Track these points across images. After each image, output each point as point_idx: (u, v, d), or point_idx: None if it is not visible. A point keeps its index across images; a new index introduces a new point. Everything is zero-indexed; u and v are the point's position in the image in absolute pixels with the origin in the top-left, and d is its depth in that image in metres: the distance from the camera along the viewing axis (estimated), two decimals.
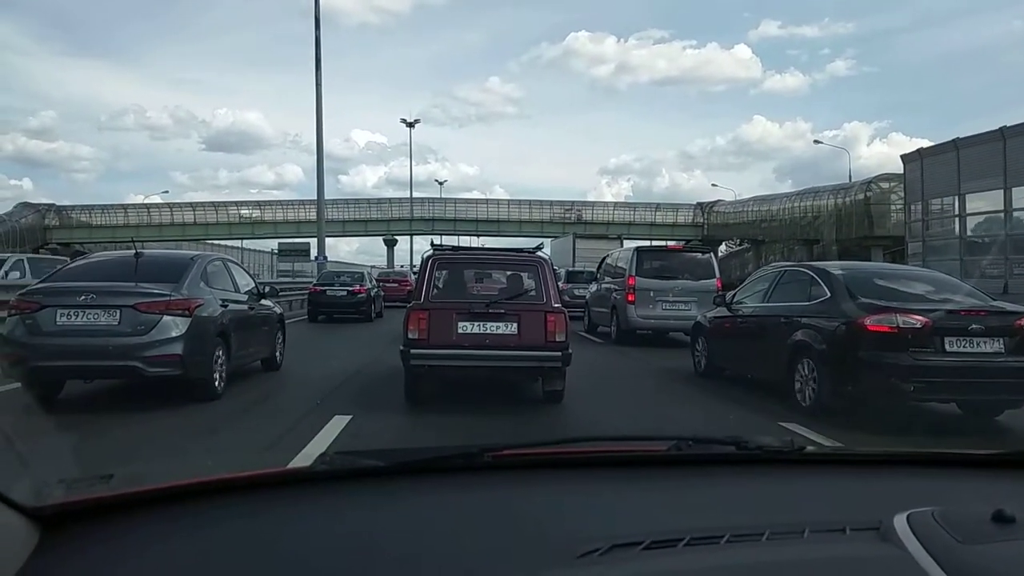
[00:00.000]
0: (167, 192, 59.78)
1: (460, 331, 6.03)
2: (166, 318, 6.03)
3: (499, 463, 1.14)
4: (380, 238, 51.39)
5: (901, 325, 5.77)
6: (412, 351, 6.01)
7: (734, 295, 8.52)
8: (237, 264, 8.52)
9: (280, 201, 50.16)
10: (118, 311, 5.93)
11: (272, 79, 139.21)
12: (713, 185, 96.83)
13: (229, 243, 54.89)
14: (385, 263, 50.88)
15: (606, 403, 7.10)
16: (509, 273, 6.94)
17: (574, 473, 1.17)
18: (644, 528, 0.91)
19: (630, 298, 12.39)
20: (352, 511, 1.01)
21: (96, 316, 5.91)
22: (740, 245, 48.38)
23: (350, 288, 17.84)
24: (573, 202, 50.30)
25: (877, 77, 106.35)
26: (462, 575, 0.83)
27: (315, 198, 44.36)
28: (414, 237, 52.90)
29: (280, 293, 12.26)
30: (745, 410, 6.81)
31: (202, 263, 7.01)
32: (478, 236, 51.11)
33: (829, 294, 6.53)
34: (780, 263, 11.88)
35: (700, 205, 48.78)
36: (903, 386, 5.65)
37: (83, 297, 5.94)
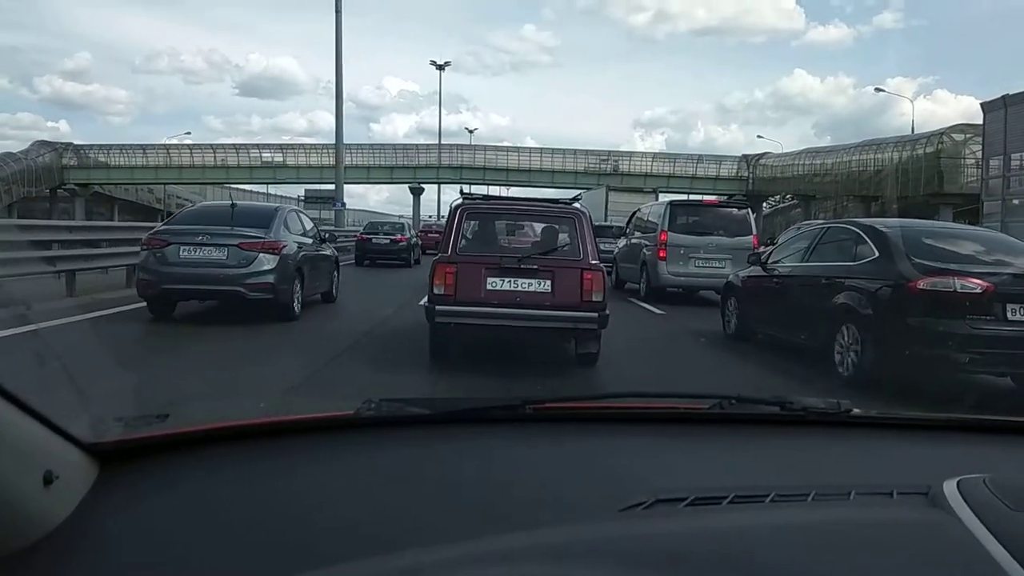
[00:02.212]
0: (189, 134, 60.27)
1: (489, 287, 5.80)
2: (261, 255, 7.99)
3: (541, 415, 1.17)
4: (407, 186, 51.05)
5: (958, 289, 5.41)
6: (437, 308, 5.78)
7: (770, 253, 8.21)
8: (305, 214, 10.68)
9: (303, 145, 50.06)
10: (226, 249, 7.92)
11: (306, 24, 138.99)
12: (758, 137, 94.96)
13: (253, 188, 55.37)
14: (411, 213, 50.86)
15: (632, 362, 6.97)
16: (543, 226, 6.64)
17: (615, 428, 1.20)
18: (687, 485, 0.93)
19: (661, 254, 12.18)
20: (396, 457, 1.04)
21: (210, 252, 7.93)
22: (788, 201, 47.11)
23: (392, 237, 21.07)
24: (609, 152, 49.24)
25: (925, 30, 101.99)
26: (504, 524, 0.84)
27: (344, 143, 44.90)
28: (442, 186, 52.67)
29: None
30: (778, 376, 6.55)
31: (283, 212, 9.24)
32: (508, 186, 50.63)
33: (877, 253, 6.14)
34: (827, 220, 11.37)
35: (745, 157, 47.40)
36: (957, 357, 5.31)
37: (200, 237, 7.96)
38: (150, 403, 4.14)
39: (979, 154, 29.50)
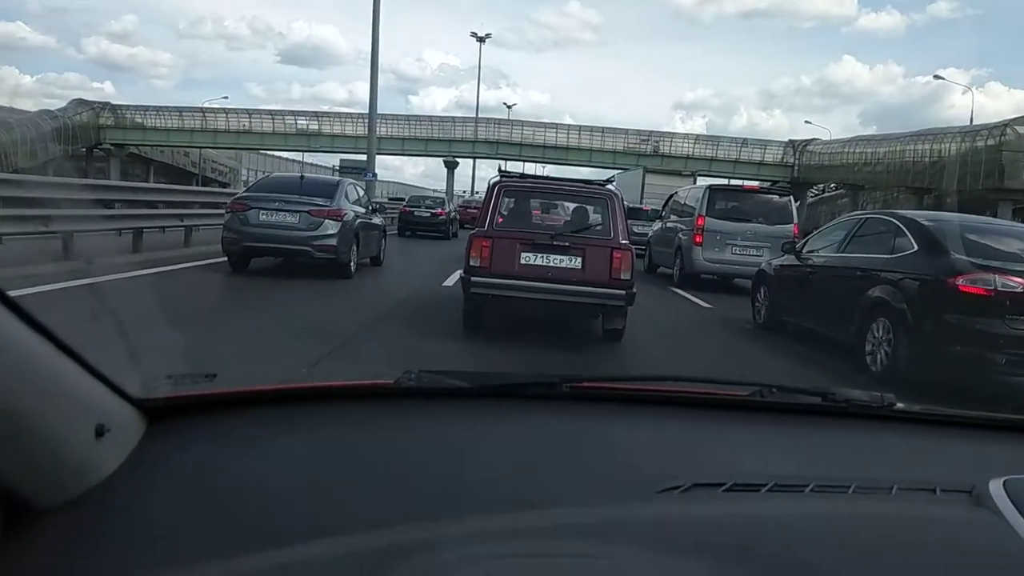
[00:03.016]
0: (227, 98, 61.05)
1: (523, 262, 6.14)
2: (327, 221, 9.50)
3: (577, 394, 1.18)
4: (441, 159, 51.11)
5: (999, 288, 5.34)
6: (473, 279, 6.16)
7: (805, 242, 8.13)
8: (360, 186, 12.16)
9: (338, 113, 50.73)
10: (298, 214, 9.42)
11: None
12: (806, 122, 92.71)
13: (290, 155, 55.92)
14: (444, 187, 50.97)
15: (661, 346, 7.11)
16: (576, 206, 7.07)
17: (652, 410, 1.20)
18: (726, 470, 0.93)
19: (697, 239, 12.11)
20: (434, 427, 1.07)
21: (284, 216, 9.43)
22: (835, 190, 46.20)
23: (433, 211, 23.30)
24: (651, 132, 48.64)
25: (981, 20, 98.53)
26: (540, 499, 0.85)
27: (380, 114, 44.90)
28: (477, 161, 52.63)
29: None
30: (807, 368, 6.53)
31: (344, 184, 10.87)
32: (544, 163, 50.46)
33: (916, 247, 6.07)
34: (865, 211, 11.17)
35: (792, 143, 46.53)
36: (993, 357, 5.25)
37: (276, 203, 9.48)
38: (206, 357, 4.62)
39: None
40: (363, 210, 10.97)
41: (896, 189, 37.56)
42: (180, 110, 50.02)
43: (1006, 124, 32.02)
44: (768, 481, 0.91)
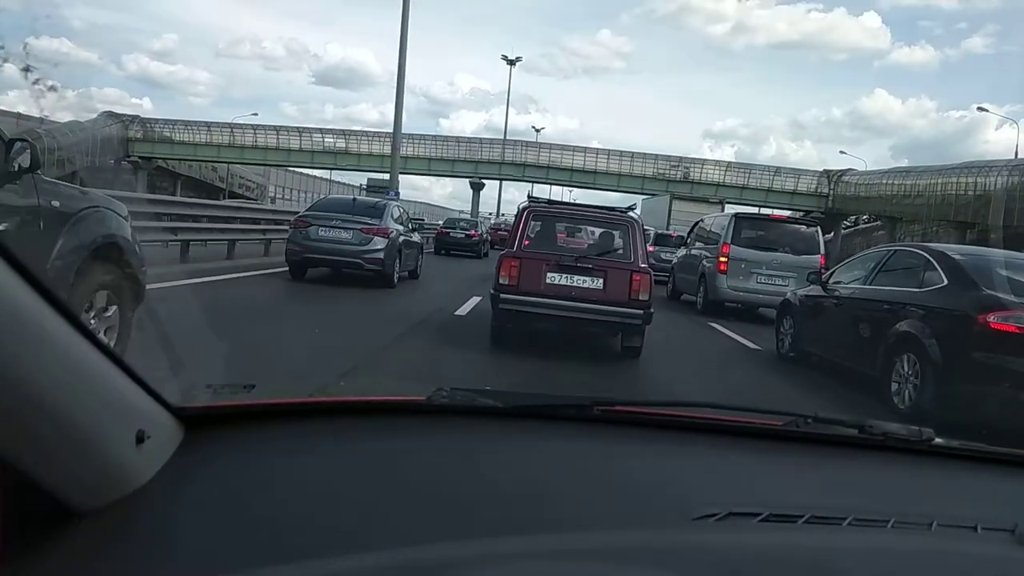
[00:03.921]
0: (256, 115, 62.28)
1: (548, 281, 6.64)
2: (376, 237, 11.10)
3: (608, 417, 1.19)
4: (467, 181, 51.45)
5: None
6: (501, 295, 6.69)
7: (831, 273, 8.02)
8: (402, 207, 13.86)
9: (365, 132, 50.75)
10: (351, 231, 11.03)
11: (384, 17, 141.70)
12: (841, 152, 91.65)
13: (317, 172, 56.67)
14: (469, 209, 51.22)
15: (682, 372, 7.28)
16: (600, 230, 7.71)
17: (686, 436, 1.20)
18: (761, 500, 0.93)
19: (722, 267, 12.07)
20: (465, 446, 1.09)
21: (339, 233, 11.02)
22: (870, 222, 45.68)
23: (467, 232, 25.80)
24: (680, 158, 48.60)
25: (1017, 57, 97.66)
26: (573, 522, 0.86)
27: (407, 133, 45.42)
28: (504, 183, 52.92)
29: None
30: (830, 403, 6.39)
31: (391, 206, 12.51)
32: (571, 187, 50.61)
33: (946, 282, 5.96)
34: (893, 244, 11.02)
35: (827, 173, 46.20)
36: None
37: (334, 222, 11.12)
38: (256, 359, 4.82)
39: None
40: (405, 228, 12.50)
41: (937, 223, 36.91)
42: (208, 125, 51.00)
43: None
44: (805, 512, 0.90)
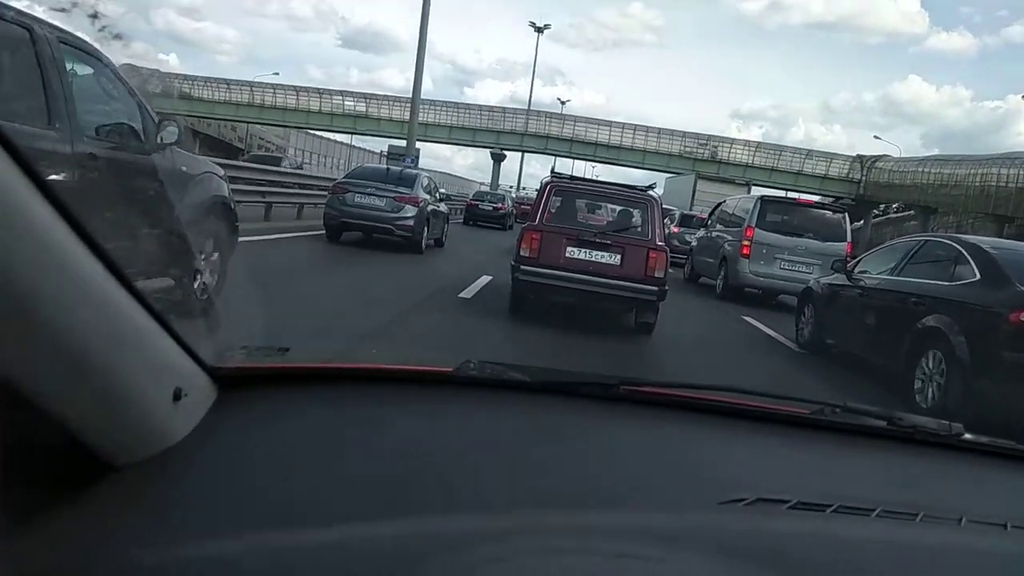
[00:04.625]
0: (277, 74, 62.18)
1: (567, 255, 6.89)
2: (407, 205, 12.09)
3: (635, 397, 1.20)
4: (488, 151, 51.10)
5: None
6: (521, 267, 6.95)
7: (857, 262, 7.80)
8: (432, 179, 14.63)
9: (387, 96, 50.46)
10: (385, 199, 12.02)
11: None
12: (875, 137, 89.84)
13: (337, 137, 56.47)
14: (489, 180, 50.96)
15: (698, 357, 7.24)
16: (620, 208, 7.95)
17: (712, 420, 1.21)
18: (789, 488, 0.93)
19: (744, 251, 11.84)
20: (492, 419, 1.11)
21: (374, 200, 12.00)
22: (901, 211, 44.85)
23: (495, 205, 27.62)
24: (709, 136, 47.88)
25: None
26: (598, 500, 0.87)
27: (428, 100, 44.96)
28: (525, 156, 52.57)
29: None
30: (849, 399, 6.19)
31: (421, 176, 13.67)
32: (595, 162, 50.18)
33: (979, 276, 5.73)
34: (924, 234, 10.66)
35: (860, 158, 45.38)
36: None
37: (369, 189, 12.06)
38: (297, 317, 5.33)
39: None
40: (433, 199, 13.55)
41: (973, 215, 36.08)
42: (228, 83, 50.98)
43: None
44: (833, 502, 0.91)
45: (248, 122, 52.13)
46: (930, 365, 5.73)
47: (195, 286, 4.95)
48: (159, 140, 4.66)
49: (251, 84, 50.95)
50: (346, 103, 50.48)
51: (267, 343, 1.29)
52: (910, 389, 5.85)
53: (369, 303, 7.16)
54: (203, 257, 5.17)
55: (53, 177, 3.70)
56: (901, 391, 5.93)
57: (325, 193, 14.91)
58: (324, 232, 12.26)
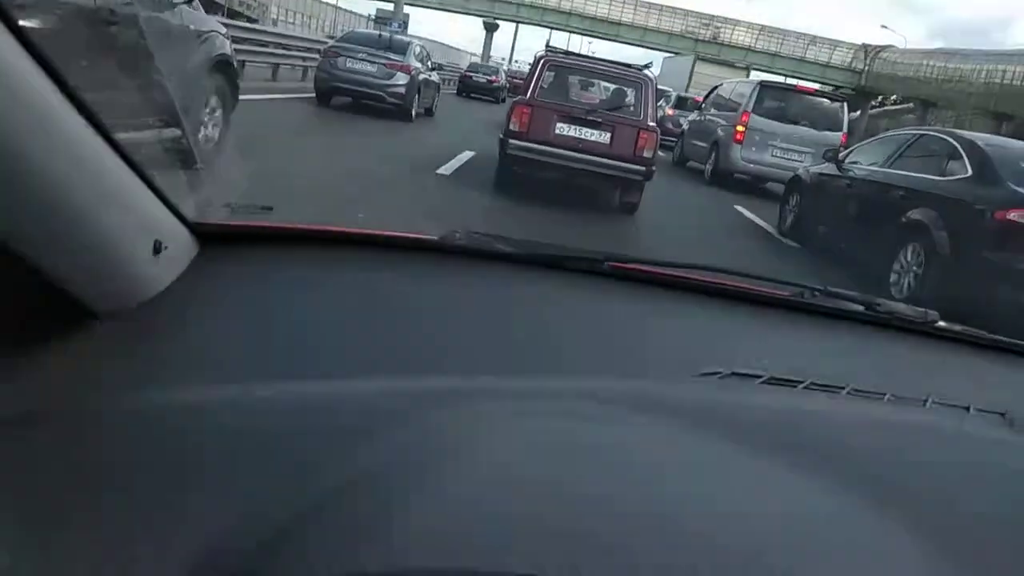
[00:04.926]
0: None
1: (557, 131, 6.91)
2: (399, 73, 12.20)
3: (619, 273, 1.21)
4: (481, 20, 49.14)
5: None
6: (510, 141, 6.94)
7: (849, 152, 7.71)
8: (424, 48, 14.57)
9: None
10: (376, 65, 12.08)
11: None
12: (882, 27, 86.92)
13: None
14: (480, 51, 49.29)
15: (681, 239, 7.33)
16: (614, 86, 7.92)
17: (693, 298, 1.23)
18: (764, 365, 0.96)
19: (738, 136, 11.65)
20: (478, 288, 1.12)
21: (366, 65, 12.03)
22: (900, 104, 44.10)
23: (489, 77, 28.08)
24: (712, 16, 46.18)
25: None
26: (579, 367, 0.90)
27: None
28: (520, 27, 50.61)
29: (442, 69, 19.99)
30: (824, 283, 6.31)
31: (414, 44, 13.72)
32: (592, 37, 48.48)
33: (970, 172, 5.68)
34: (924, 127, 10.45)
35: (865, 47, 44.14)
36: None
37: (360, 54, 12.08)
38: (277, 180, 4.63)
39: None
40: (425, 67, 13.58)
41: (973, 112, 35.51)
42: None
43: None
44: (805, 379, 0.93)
45: None
46: (908, 258, 5.77)
47: (200, 137, 5.38)
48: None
49: None
50: None
51: (250, 201, 1.28)
52: (885, 280, 5.91)
53: (351, 172, 6.98)
54: (208, 111, 5.52)
55: (75, 33, 3.76)
56: (877, 282, 5.98)
57: (314, 56, 15.38)
58: (314, 95, 12.33)
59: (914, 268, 5.69)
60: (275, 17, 54.94)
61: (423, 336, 0.93)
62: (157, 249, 0.85)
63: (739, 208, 9.94)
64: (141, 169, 0.81)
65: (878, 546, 0.65)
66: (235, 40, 13.74)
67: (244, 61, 13.00)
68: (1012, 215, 5.11)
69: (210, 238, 1.00)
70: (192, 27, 5.28)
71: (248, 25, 17.70)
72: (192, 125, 5.16)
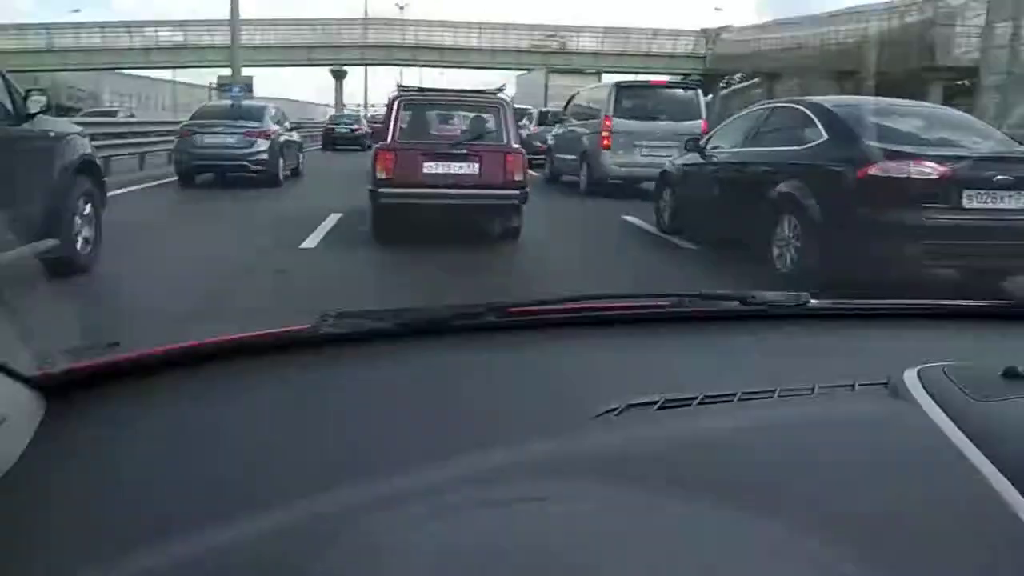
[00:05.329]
0: (78, 11, 56.12)
1: (425, 171, 6.88)
2: (259, 140, 12.22)
3: (502, 323, 1.19)
4: (327, 69, 48.68)
5: (913, 175, 5.18)
6: (380, 190, 6.84)
7: (709, 138, 7.86)
8: (280, 109, 14.86)
9: (206, 21, 46.52)
10: (235, 135, 12.15)
11: None
12: (717, 9, 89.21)
13: (157, 73, 52.03)
14: (333, 102, 48.84)
15: (571, 259, 7.20)
16: (472, 115, 7.99)
17: (577, 332, 1.22)
18: (657, 387, 0.95)
19: (605, 142, 11.84)
20: (359, 375, 1.06)
21: (224, 138, 12.11)
22: (746, 81, 46.36)
23: (351, 127, 28.40)
24: (556, 27, 47.40)
25: None
26: (476, 443, 0.86)
27: (253, 20, 41.96)
28: (369, 69, 50.52)
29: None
30: (717, 275, 6.41)
31: (269, 108, 13.89)
32: (443, 67, 48.89)
33: (826, 136, 5.86)
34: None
35: (704, 32, 46.27)
36: (911, 250, 5.14)
37: (217, 128, 12.26)
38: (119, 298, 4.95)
39: (980, 21, 27.11)
40: (284, 129, 13.75)
41: (814, 75, 37.35)
42: (21, 27, 45.71)
43: None
44: (698, 394, 0.93)
45: (52, 70, 47.17)
46: (786, 231, 5.88)
47: (78, 244, 5.52)
48: (27, 111, 5.08)
49: (47, 27, 45.82)
50: (161, 34, 46.32)
51: (92, 338, 1.19)
52: (769, 256, 6.01)
53: (211, 261, 6.27)
54: (81, 214, 5.61)
55: None
56: (762, 260, 6.08)
57: (161, 139, 15.68)
58: (176, 179, 12.56)
59: (793, 241, 5.80)
60: (109, 104, 52.82)
61: (309, 447, 0.86)
62: None
63: (628, 218, 9.56)
64: None
65: (779, 562, 0.66)
66: (93, 137, 13.38)
67: (108, 156, 12.51)
68: (872, 170, 5.29)
69: (55, 391, 0.90)
70: (51, 133, 5.48)
71: (104, 120, 18.22)
72: (67, 230, 5.34)
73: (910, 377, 0.94)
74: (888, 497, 0.75)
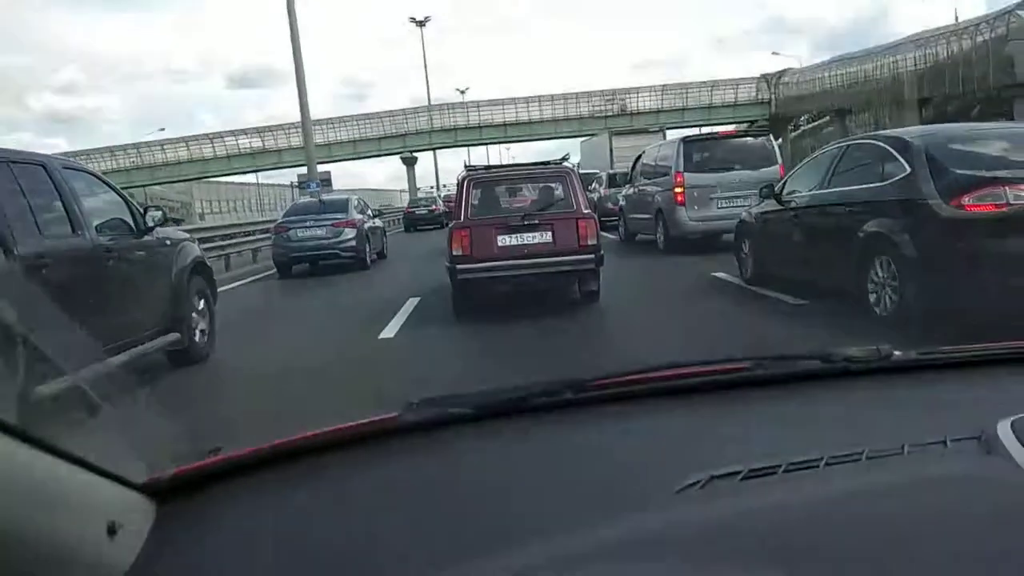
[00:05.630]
0: (163, 130, 60.69)
1: (500, 244, 7.07)
2: (346, 229, 13.69)
3: (581, 400, 1.19)
4: (398, 157, 50.38)
5: (1012, 201, 4.90)
6: (458, 267, 7.06)
7: (784, 183, 7.66)
8: (361, 199, 16.34)
9: (281, 125, 49.12)
10: (324, 227, 13.63)
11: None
12: (774, 54, 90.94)
13: (242, 178, 54.89)
14: (407, 187, 50.33)
15: (654, 323, 7.05)
16: (540, 186, 8.17)
17: (657, 403, 1.21)
18: (740, 456, 0.93)
19: (679, 198, 11.67)
20: (443, 462, 1.08)
21: (315, 231, 13.61)
22: (815, 121, 45.65)
23: (429, 208, 31.71)
24: (615, 91, 48.00)
25: None
26: (561, 524, 0.86)
27: (323, 119, 44.19)
28: (438, 152, 52.02)
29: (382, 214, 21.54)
30: (808, 326, 6.10)
31: (352, 200, 15.22)
32: (508, 143, 49.98)
33: (909, 169, 5.60)
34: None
35: (765, 77, 46.03)
36: (1014, 281, 4.78)
37: (308, 222, 13.73)
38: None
39: None
40: (367, 217, 15.16)
41: (887, 107, 36.36)
42: (112, 150, 49.18)
43: (1007, 11, 29.53)
44: (782, 462, 0.91)
45: (144, 185, 50.37)
46: (880, 273, 5.64)
47: (196, 336, 6.16)
48: (147, 224, 5.82)
49: (136, 146, 49.22)
50: (241, 142, 49.10)
51: (201, 439, 1.24)
52: (866, 302, 5.76)
53: (302, 353, 6.35)
54: (197, 310, 6.31)
55: (86, 270, 4.95)
56: (858, 306, 5.82)
57: (252, 237, 17.96)
58: (275, 271, 14.05)
59: (889, 281, 5.55)
60: (200, 211, 55.91)
61: (404, 535, 0.88)
62: (112, 530, 0.79)
63: (719, 275, 9.03)
64: (65, 452, 0.76)
65: None
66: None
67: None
68: (966, 199, 5.04)
69: (165, 496, 0.95)
70: (168, 242, 6.19)
71: (202, 225, 19.97)
72: (187, 325, 6.00)
73: (1003, 429, 0.90)
74: (987, 560, 0.73)
